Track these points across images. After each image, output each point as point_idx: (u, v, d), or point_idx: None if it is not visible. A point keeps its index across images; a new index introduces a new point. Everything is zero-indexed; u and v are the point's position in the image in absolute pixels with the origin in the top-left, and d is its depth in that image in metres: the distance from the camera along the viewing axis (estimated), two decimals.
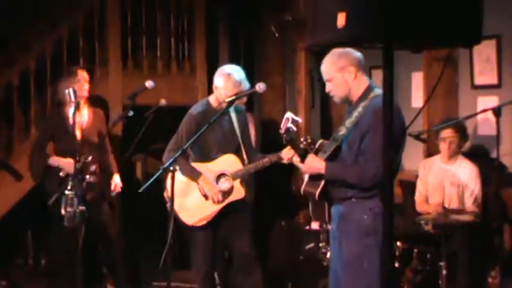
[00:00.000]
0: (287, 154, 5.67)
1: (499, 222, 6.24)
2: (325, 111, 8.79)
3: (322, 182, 4.52)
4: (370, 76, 7.66)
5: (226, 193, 5.86)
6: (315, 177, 4.57)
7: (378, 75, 7.29)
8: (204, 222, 5.85)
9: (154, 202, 6.11)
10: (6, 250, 8.28)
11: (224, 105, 5.41)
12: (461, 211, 6.11)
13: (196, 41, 9.08)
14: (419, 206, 6.47)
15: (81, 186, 5.59)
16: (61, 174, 6.13)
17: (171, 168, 4.97)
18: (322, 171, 4.48)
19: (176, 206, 5.22)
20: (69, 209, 5.21)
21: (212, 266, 6.10)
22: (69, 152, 6.12)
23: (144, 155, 8.39)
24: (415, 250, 5.88)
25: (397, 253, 5.80)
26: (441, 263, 5.63)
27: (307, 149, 4.61)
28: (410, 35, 2.82)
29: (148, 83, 5.92)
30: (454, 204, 6.19)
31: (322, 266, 6.15)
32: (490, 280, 6.10)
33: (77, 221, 5.26)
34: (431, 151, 6.89)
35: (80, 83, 6.29)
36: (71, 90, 5.79)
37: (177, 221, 5.67)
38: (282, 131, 4.93)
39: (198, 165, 5.87)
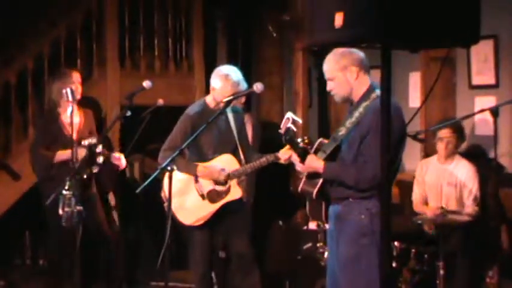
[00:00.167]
0: (284, 154, 5.68)
1: (497, 222, 6.24)
2: (323, 111, 8.80)
3: (320, 181, 4.52)
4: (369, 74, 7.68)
5: (223, 193, 5.86)
6: (312, 176, 4.57)
7: (376, 75, 7.27)
8: (201, 222, 5.85)
9: (151, 202, 6.11)
10: (4, 250, 8.28)
11: (221, 105, 5.41)
12: (459, 212, 6.11)
13: (194, 41, 9.08)
14: (417, 207, 6.47)
15: (78, 186, 5.58)
16: (74, 161, 6.11)
17: (169, 168, 4.96)
18: (321, 170, 4.47)
19: (173, 206, 5.21)
20: (66, 209, 5.20)
21: (209, 266, 6.09)
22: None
23: (142, 155, 8.38)
24: (413, 250, 5.88)
25: (394, 253, 5.81)
26: (439, 263, 5.63)
27: (306, 149, 4.61)
28: (408, 35, 2.82)
29: (146, 83, 5.91)
30: (452, 204, 6.20)
31: (320, 265, 6.15)
32: (488, 280, 6.10)
33: (74, 221, 5.25)
34: (428, 151, 6.90)
35: (75, 85, 6.28)
36: (68, 90, 5.79)
37: (175, 221, 5.68)
38: (282, 131, 4.93)
39: None
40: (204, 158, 5.89)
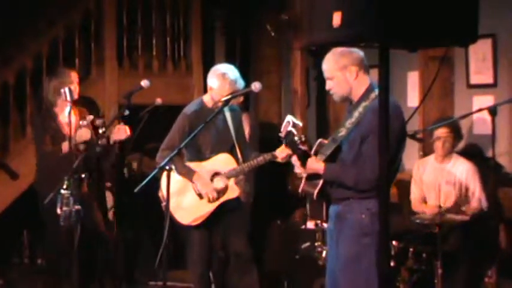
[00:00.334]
0: (282, 153, 5.68)
1: (495, 221, 6.24)
2: (321, 110, 8.80)
3: (320, 182, 4.51)
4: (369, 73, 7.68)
5: (221, 192, 5.86)
6: (312, 177, 4.57)
7: (374, 74, 7.28)
8: (198, 222, 5.84)
9: (150, 201, 6.11)
10: (2, 249, 8.28)
11: (220, 104, 5.41)
12: (457, 210, 6.10)
13: (192, 40, 9.08)
14: (415, 207, 6.48)
15: (77, 185, 5.58)
16: (81, 148, 6.10)
17: (167, 167, 4.96)
18: (321, 171, 4.47)
19: (171, 206, 5.21)
20: (65, 208, 5.21)
21: (207, 266, 6.09)
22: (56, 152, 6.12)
23: (140, 154, 8.38)
24: (411, 249, 5.88)
25: (392, 252, 5.81)
26: (437, 262, 5.63)
27: (307, 152, 4.59)
28: (406, 34, 2.82)
29: (144, 82, 5.91)
30: (450, 203, 6.19)
31: (318, 265, 6.15)
32: (486, 279, 6.11)
33: (72, 220, 5.26)
34: (426, 150, 6.89)
35: (73, 85, 6.26)
36: (66, 89, 5.78)
37: (173, 220, 5.68)
38: (283, 134, 4.91)
39: (192, 165, 5.87)
40: (202, 157, 5.89)
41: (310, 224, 6.59)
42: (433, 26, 2.82)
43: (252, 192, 7.25)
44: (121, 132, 6.14)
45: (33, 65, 8.20)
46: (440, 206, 5.85)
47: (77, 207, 5.24)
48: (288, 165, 5.75)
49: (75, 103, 6.36)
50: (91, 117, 6.06)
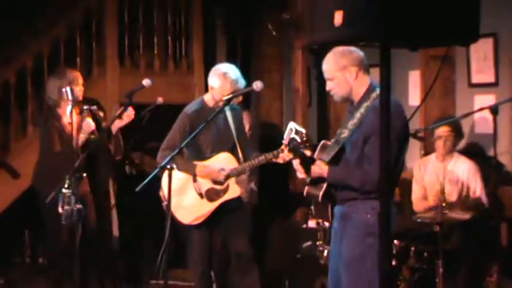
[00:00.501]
0: (283, 155, 5.66)
1: (497, 220, 6.24)
2: (322, 109, 8.80)
3: (325, 185, 4.51)
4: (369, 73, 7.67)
5: (222, 192, 5.86)
6: (317, 181, 4.56)
7: (375, 73, 7.27)
8: (199, 221, 5.84)
9: (151, 200, 6.11)
10: (4, 248, 8.28)
11: (221, 104, 5.40)
12: (461, 204, 6.09)
13: (193, 39, 9.08)
14: (417, 206, 6.47)
15: (78, 184, 5.57)
16: (92, 136, 6.10)
17: (168, 166, 4.96)
18: (325, 175, 4.46)
19: (172, 205, 5.21)
20: (66, 207, 5.20)
21: (208, 265, 6.09)
22: (65, 152, 6.10)
23: (141, 153, 8.37)
24: (412, 248, 5.88)
25: (394, 251, 5.80)
26: (438, 261, 5.63)
27: (312, 158, 4.57)
28: (408, 34, 2.82)
29: (146, 81, 5.90)
30: (453, 202, 6.18)
31: (320, 264, 6.15)
32: (488, 278, 6.11)
33: (74, 219, 5.25)
34: (428, 149, 6.89)
35: (79, 87, 6.24)
36: (68, 89, 5.77)
37: (173, 219, 5.67)
38: (286, 141, 4.90)
39: None
40: (203, 157, 5.89)
41: (312, 223, 6.59)
42: (434, 25, 2.82)
43: (255, 192, 7.26)
44: (125, 116, 6.15)
45: (34, 64, 8.20)
46: (442, 205, 5.85)
47: (79, 206, 5.23)
48: (289, 164, 5.75)
49: (77, 103, 6.35)
50: (93, 107, 6.08)
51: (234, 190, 5.91)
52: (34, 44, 8.41)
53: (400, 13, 2.74)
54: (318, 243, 6.33)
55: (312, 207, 6.41)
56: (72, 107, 5.78)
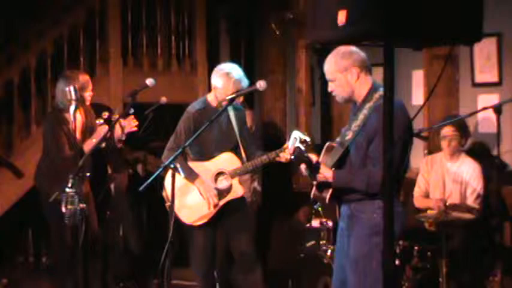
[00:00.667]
0: (285, 153, 5.66)
1: (500, 220, 6.23)
2: (325, 109, 8.79)
3: (331, 188, 4.51)
4: (371, 73, 7.67)
5: (225, 191, 5.86)
6: (322, 185, 4.54)
7: (379, 72, 7.26)
8: (203, 221, 5.84)
9: (154, 200, 6.11)
10: (7, 248, 8.29)
11: (224, 103, 5.40)
12: (461, 207, 6.10)
13: (196, 38, 9.08)
14: (417, 201, 6.48)
15: (82, 183, 5.57)
16: (103, 145, 6.08)
17: (172, 165, 4.96)
18: (330, 179, 4.46)
19: (175, 205, 5.20)
20: (69, 207, 5.20)
21: (212, 265, 6.09)
22: (74, 156, 6.07)
23: (145, 152, 8.38)
24: (416, 248, 5.88)
25: (397, 251, 5.80)
26: (441, 261, 5.63)
27: (317, 164, 4.55)
28: (411, 33, 2.82)
29: (149, 81, 5.89)
30: (455, 202, 6.18)
31: (323, 263, 6.15)
32: (491, 278, 6.10)
33: (77, 219, 5.25)
34: (431, 149, 6.89)
35: (87, 92, 6.22)
36: (71, 88, 5.75)
37: (177, 219, 5.67)
38: (291, 151, 4.87)
39: (196, 164, 5.86)
40: (206, 156, 5.88)
41: (315, 223, 6.58)
42: (437, 24, 2.82)
43: (259, 192, 7.26)
44: (128, 125, 6.15)
45: (38, 63, 8.21)
46: (445, 201, 5.85)
47: (82, 205, 5.23)
48: (292, 164, 5.75)
49: (83, 105, 6.33)
50: (106, 113, 6.06)
51: (237, 190, 5.90)
52: (37, 44, 8.41)
53: (404, 13, 2.74)
54: (321, 242, 6.34)
55: (317, 207, 6.40)
56: (76, 106, 5.75)
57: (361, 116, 4.38)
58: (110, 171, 6.86)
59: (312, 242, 6.60)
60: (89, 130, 6.32)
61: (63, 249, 6.17)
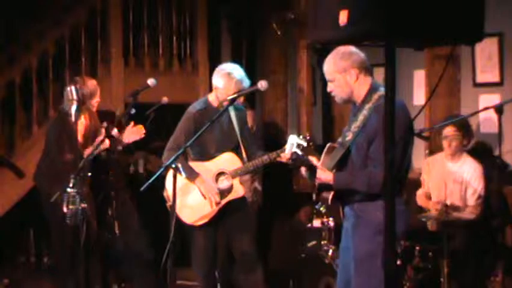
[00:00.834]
0: (286, 154, 5.65)
1: (501, 220, 6.23)
2: (327, 109, 8.79)
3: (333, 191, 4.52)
4: (371, 74, 7.66)
5: (226, 191, 5.86)
6: (324, 187, 4.55)
7: (380, 73, 7.27)
8: (204, 221, 5.84)
9: (156, 199, 6.11)
10: (9, 248, 8.29)
11: (225, 103, 5.40)
12: (461, 208, 6.10)
13: (198, 39, 9.09)
14: (419, 199, 6.48)
15: (83, 183, 5.56)
16: (103, 154, 6.07)
17: (173, 165, 4.96)
18: (331, 182, 4.46)
19: (176, 206, 5.20)
20: (71, 207, 5.20)
21: (213, 265, 6.09)
22: (74, 161, 6.07)
23: (146, 153, 8.38)
24: (417, 248, 5.88)
25: (399, 251, 5.80)
26: (443, 261, 5.62)
27: (313, 167, 4.55)
28: (413, 33, 2.82)
29: (150, 81, 5.89)
30: (456, 202, 6.18)
31: (324, 263, 6.15)
32: (492, 278, 6.10)
33: (79, 219, 5.25)
34: (433, 149, 6.89)
35: (95, 99, 6.21)
36: (73, 88, 5.74)
37: (178, 219, 5.67)
38: (288, 156, 4.87)
39: (197, 164, 5.87)
40: (207, 157, 5.88)
41: (316, 223, 6.58)
42: (439, 24, 2.82)
43: (260, 193, 7.26)
44: (134, 133, 6.16)
45: (39, 64, 8.21)
46: (446, 204, 5.85)
47: (83, 205, 5.23)
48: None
49: (89, 110, 6.31)
50: (104, 124, 6.06)
51: (238, 190, 5.91)
52: (39, 44, 8.42)
53: (405, 12, 2.74)
54: (322, 242, 6.33)
55: (319, 207, 6.40)
56: (78, 107, 5.74)
57: (360, 117, 4.38)
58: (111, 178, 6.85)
59: (313, 242, 6.59)
60: (92, 135, 6.32)
61: (64, 249, 6.18)
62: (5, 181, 7.89)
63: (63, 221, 5.23)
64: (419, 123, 6.66)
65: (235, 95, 5.26)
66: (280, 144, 5.71)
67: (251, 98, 8.43)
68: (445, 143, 6.30)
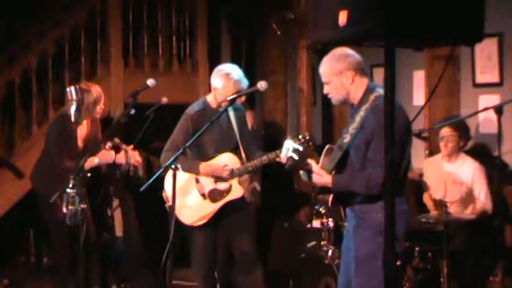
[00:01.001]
0: (282, 159, 5.64)
1: (501, 220, 6.23)
2: (327, 109, 8.80)
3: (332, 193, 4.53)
4: (371, 74, 7.67)
5: (225, 192, 5.86)
6: (324, 189, 4.55)
7: (379, 73, 7.28)
8: (203, 222, 5.84)
9: (155, 200, 6.11)
10: (8, 248, 8.29)
11: (224, 104, 5.40)
12: (462, 210, 6.10)
13: (198, 39, 9.09)
14: (425, 197, 6.51)
15: (82, 184, 5.55)
16: (103, 169, 6.07)
17: (173, 166, 4.96)
18: (330, 185, 4.46)
19: (176, 206, 5.20)
20: (70, 207, 5.20)
21: (212, 266, 6.09)
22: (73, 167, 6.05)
23: (145, 153, 8.38)
24: (417, 248, 5.88)
25: (401, 250, 5.80)
26: (442, 262, 5.62)
27: (309, 169, 4.55)
28: (412, 34, 2.82)
29: (150, 81, 5.89)
30: (456, 203, 6.19)
31: (324, 264, 6.14)
32: (491, 278, 6.10)
33: (78, 219, 5.25)
34: (432, 149, 6.89)
35: (99, 105, 6.20)
36: (72, 88, 5.74)
37: (177, 220, 5.67)
38: (284, 160, 4.88)
39: None
40: (206, 157, 5.88)
41: (316, 223, 6.58)
42: (439, 25, 2.82)
43: (258, 193, 7.26)
44: (131, 158, 6.17)
45: (39, 64, 8.21)
46: (446, 206, 5.85)
47: (83, 206, 5.23)
48: None
49: (92, 116, 6.29)
50: (118, 140, 6.05)
51: (237, 190, 5.91)
52: (38, 44, 8.42)
53: (405, 13, 2.74)
54: (322, 243, 6.32)
55: (319, 208, 6.40)
56: (77, 107, 5.73)
57: (357, 118, 4.38)
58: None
59: (313, 243, 6.59)
60: (92, 140, 6.31)
61: (63, 249, 6.17)
62: (5, 181, 7.89)
63: (62, 222, 5.23)
64: (419, 124, 6.66)
65: (234, 96, 5.25)
66: (280, 144, 5.70)
67: (251, 98, 8.43)
68: (441, 144, 6.32)
